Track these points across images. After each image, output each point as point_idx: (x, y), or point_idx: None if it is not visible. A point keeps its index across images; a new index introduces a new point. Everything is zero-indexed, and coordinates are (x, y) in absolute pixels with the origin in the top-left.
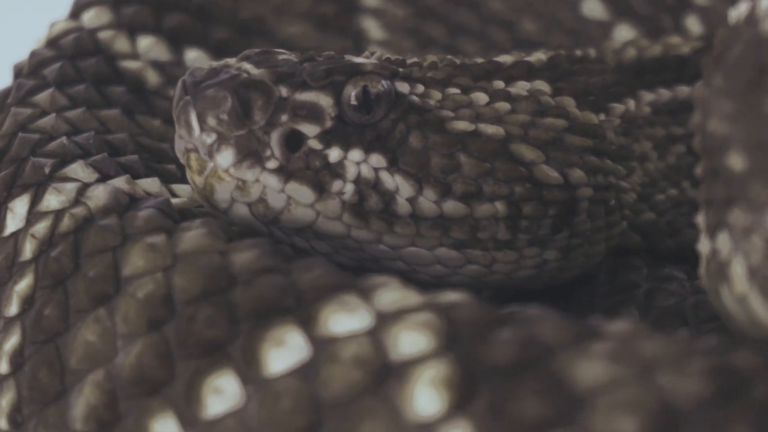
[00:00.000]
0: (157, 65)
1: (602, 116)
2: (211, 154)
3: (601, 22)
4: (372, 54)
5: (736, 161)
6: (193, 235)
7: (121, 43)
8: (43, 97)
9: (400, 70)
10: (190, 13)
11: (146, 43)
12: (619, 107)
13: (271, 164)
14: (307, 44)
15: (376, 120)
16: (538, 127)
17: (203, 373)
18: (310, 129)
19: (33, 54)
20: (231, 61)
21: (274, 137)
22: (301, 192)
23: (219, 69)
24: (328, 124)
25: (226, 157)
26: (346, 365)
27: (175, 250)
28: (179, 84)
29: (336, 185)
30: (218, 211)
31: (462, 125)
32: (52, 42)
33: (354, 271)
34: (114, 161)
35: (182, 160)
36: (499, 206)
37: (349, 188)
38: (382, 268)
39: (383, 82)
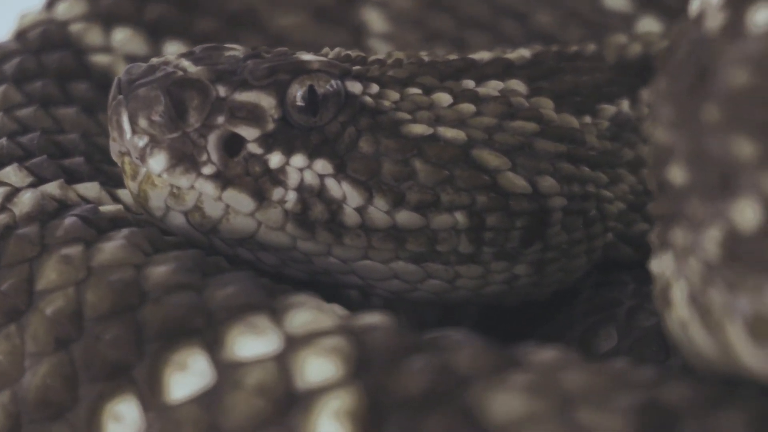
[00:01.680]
0: (131, 59)
1: (587, 119)
2: (143, 158)
3: (623, 15)
4: (330, 51)
5: (676, 174)
6: (110, 247)
7: (93, 36)
8: None
9: (355, 68)
10: (174, 4)
11: (122, 35)
12: (609, 109)
13: (208, 170)
14: (302, 38)
15: (324, 122)
16: (505, 130)
17: (105, 397)
18: (249, 132)
19: None
20: (171, 57)
21: (211, 140)
22: (240, 200)
23: (156, 66)
24: (270, 126)
25: (158, 162)
26: (249, 393)
27: (90, 263)
28: (114, 82)
29: (277, 193)
30: (155, 219)
31: (418, 129)
32: (20, 35)
33: (272, 289)
34: (55, 164)
35: (119, 164)
36: (459, 217)
37: (292, 196)
38: (336, 283)
39: (332, 81)
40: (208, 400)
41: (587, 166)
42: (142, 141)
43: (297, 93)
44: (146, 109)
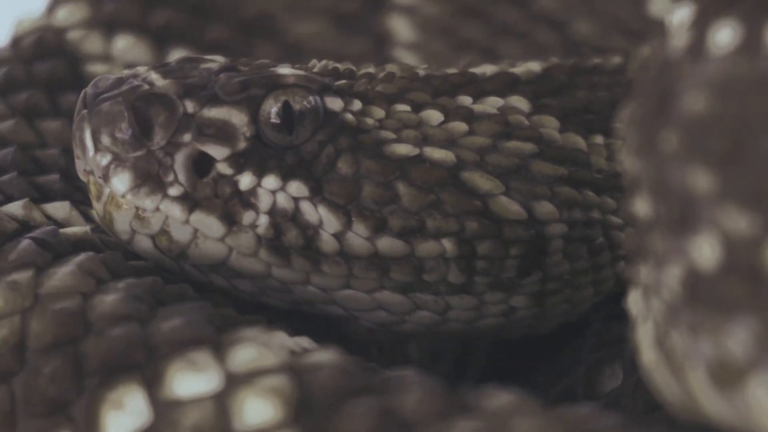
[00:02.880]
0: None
1: (598, 138)
2: (106, 178)
3: None
4: (317, 64)
5: (641, 206)
6: (60, 274)
7: (93, 44)
8: None
9: (340, 83)
10: (184, 10)
11: (124, 43)
12: None
13: (174, 191)
14: (321, 47)
15: (300, 141)
16: (499, 151)
17: None
18: (218, 151)
19: None
20: (142, 69)
21: (178, 159)
22: (209, 224)
23: (125, 79)
24: (241, 145)
25: (122, 182)
26: None
27: (38, 290)
28: (81, 95)
29: (248, 217)
30: (122, 243)
31: (403, 149)
32: (15, 42)
33: (224, 322)
34: (26, 181)
35: (85, 183)
36: (447, 244)
37: (263, 220)
38: (318, 313)
39: (310, 97)
40: None
41: (592, 191)
42: (105, 159)
43: (271, 109)
44: (109, 125)
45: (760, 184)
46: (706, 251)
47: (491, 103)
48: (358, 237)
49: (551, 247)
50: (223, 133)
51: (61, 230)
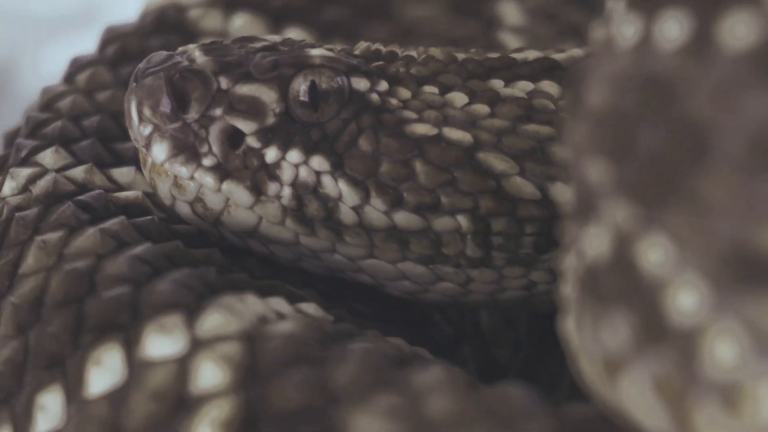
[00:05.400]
0: None
1: None
2: (147, 147)
3: None
4: (361, 45)
5: (564, 194)
6: (84, 235)
7: (211, 21)
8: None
9: (371, 65)
10: None
11: (241, 21)
12: None
13: (208, 161)
14: (433, 29)
15: (325, 119)
16: (517, 134)
17: (38, 388)
18: (247, 125)
19: None
20: (192, 47)
21: (213, 132)
22: (238, 193)
23: (173, 55)
24: (270, 120)
25: (161, 151)
26: (148, 395)
27: (63, 250)
28: (135, 69)
29: (273, 188)
30: (166, 208)
31: (422, 129)
32: (140, 18)
33: (210, 287)
34: (103, 147)
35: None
36: (462, 220)
37: (287, 192)
38: (351, 281)
39: (336, 77)
40: (117, 397)
41: None
42: (147, 129)
43: (300, 87)
44: (151, 98)
45: (644, 177)
46: (596, 242)
47: (521, 87)
48: (375, 210)
49: None
50: (253, 108)
51: (114, 194)
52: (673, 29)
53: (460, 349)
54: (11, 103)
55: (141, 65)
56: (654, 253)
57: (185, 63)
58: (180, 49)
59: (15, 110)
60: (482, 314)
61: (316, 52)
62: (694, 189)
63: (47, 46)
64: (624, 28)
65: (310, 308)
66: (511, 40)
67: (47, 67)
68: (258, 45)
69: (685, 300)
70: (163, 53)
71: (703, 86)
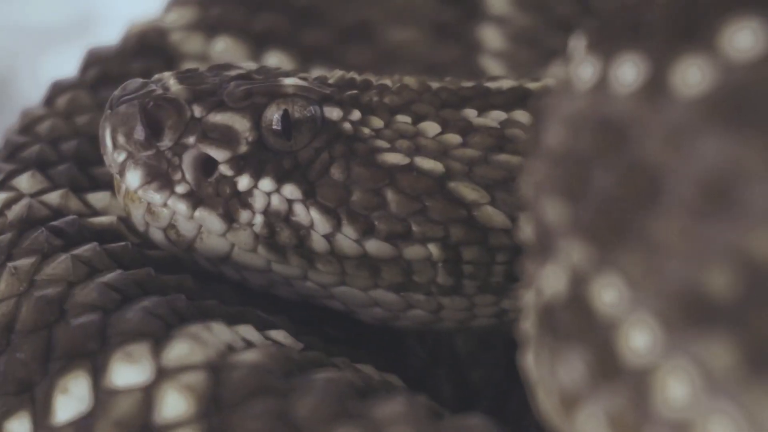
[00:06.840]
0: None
1: None
2: (122, 174)
3: None
4: (336, 74)
5: (524, 230)
6: (55, 262)
7: (192, 44)
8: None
9: (344, 94)
10: (286, 14)
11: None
12: None
13: (181, 188)
14: (414, 53)
15: (298, 147)
16: (489, 164)
17: (6, 415)
18: (219, 153)
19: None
20: (166, 75)
21: (186, 160)
22: (211, 220)
23: (145, 83)
24: (243, 149)
25: (134, 178)
26: (112, 424)
27: (35, 276)
28: (110, 96)
29: (245, 216)
30: (141, 234)
31: (394, 158)
32: (122, 41)
33: (179, 316)
34: (79, 172)
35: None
36: (433, 249)
37: (259, 220)
38: (324, 307)
39: (309, 107)
40: (82, 426)
41: None
42: (121, 156)
43: (273, 116)
44: (124, 125)
45: (598, 219)
46: (553, 281)
47: (494, 117)
48: (346, 239)
49: None
50: (226, 137)
51: (88, 219)
52: (628, 73)
53: (435, 372)
54: (10, 112)
55: (116, 92)
56: (607, 294)
57: (159, 91)
58: (155, 76)
59: (14, 119)
60: (458, 337)
61: (289, 81)
62: (646, 231)
63: (46, 55)
64: (582, 69)
65: (279, 335)
66: (492, 65)
67: (46, 76)
68: (233, 73)
69: (638, 339)
70: (138, 80)
71: (656, 130)
